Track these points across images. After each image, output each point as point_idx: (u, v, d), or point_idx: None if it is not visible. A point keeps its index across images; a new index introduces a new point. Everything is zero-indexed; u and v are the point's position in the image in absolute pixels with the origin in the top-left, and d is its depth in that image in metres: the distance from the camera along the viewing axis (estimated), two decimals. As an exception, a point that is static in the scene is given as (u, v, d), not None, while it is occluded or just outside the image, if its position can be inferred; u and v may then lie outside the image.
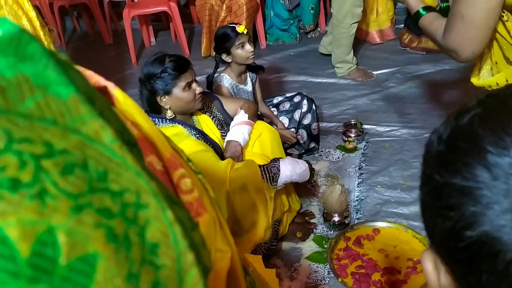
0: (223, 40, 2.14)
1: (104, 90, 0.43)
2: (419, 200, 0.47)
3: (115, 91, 0.43)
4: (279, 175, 1.67)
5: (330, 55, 3.34)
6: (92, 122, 0.28)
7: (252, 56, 2.17)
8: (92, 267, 0.24)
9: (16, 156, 0.23)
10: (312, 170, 1.84)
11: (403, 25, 3.80)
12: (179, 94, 1.69)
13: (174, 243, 0.30)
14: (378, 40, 3.76)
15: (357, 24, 3.15)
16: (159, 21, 4.52)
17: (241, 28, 2.13)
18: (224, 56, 2.17)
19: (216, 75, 2.26)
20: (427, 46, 3.47)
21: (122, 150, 0.30)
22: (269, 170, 1.66)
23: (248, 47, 2.15)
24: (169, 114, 1.72)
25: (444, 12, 1.53)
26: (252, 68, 2.32)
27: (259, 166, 1.66)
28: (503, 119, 0.40)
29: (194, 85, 1.72)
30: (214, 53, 2.27)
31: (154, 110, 1.73)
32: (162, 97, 1.69)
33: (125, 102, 0.44)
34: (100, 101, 0.34)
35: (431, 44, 3.45)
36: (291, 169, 1.70)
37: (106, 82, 0.43)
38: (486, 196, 0.38)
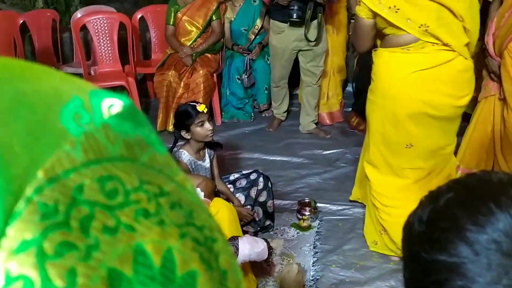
0: (183, 118, 2.19)
1: None
2: (404, 278, 0.50)
3: None
4: (237, 254, 1.66)
5: (287, 135, 3.50)
6: (180, 174, 0.35)
7: (210, 134, 2.22)
8: (194, 280, 0.32)
9: (145, 193, 0.32)
10: (270, 248, 1.84)
11: (351, 108, 4.04)
12: None
13: (235, 272, 0.37)
14: (328, 121, 3.96)
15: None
16: (115, 95, 4.54)
17: (201, 107, 2.19)
18: (183, 133, 2.20)
19: (174, 149, 2.28)
20: (373, 129, 3.69)
21: (198, 197, 0.37)
22: None
23: (208, 126, 2.20)
24: None
25: None
26: (210, 144, 2.37)
27: None
28: (475, 202, 0.45)
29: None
30: (173, 128, 2.30)
31: None
32: None
33: None
34: None
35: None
36: (249, 248, 1.69)
37: None
38: (471, 271, 0.42)
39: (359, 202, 2.72)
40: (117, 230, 0.30)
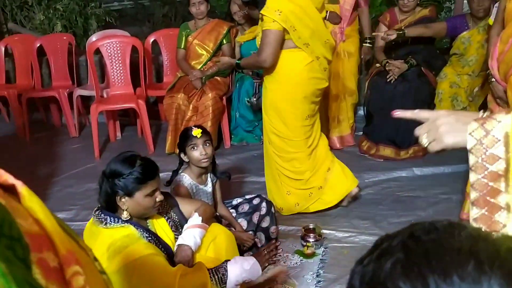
0: (181, 140, 2.21)
1: (12, 188, 0.50)
2: None
3: (22, 189, 0.50)
4: (227, 276, 1.61)
5: None
6: None
7: (203, 160, 2.16)
8: None
9: None
10: (267, 254, 1.80)
11: (362, 132, 3.98)
12: (140, 199, 1.66)
13: None
14: (338, 145, 3.90)
15: None
16: (127, 116, 4.59)
17: (195, 132, 2.15)
18: (182, 155, 2.20)
19: (179, 172, 2.26)
20: (384, 154, 3.62)
21: None
22: (217, 272, 1.61)
23: (201, 150, 2.15)
24: (125, 215, 1.66)
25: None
26: (216, 171, 2.34)
27: (208, 269, 1.61)
28: (423, 271, 0.40)
29: (157, 193, 1.70)
30: (177, 151, 2.30)
31: (108, 206, 1.67)
32: (122, 198, 1.64)
33: (31, 200, 0.50)
34: None
35: (388, 151, 3.62)
36: (239, 267, 1.64)
37: (15, 181, 0.50)
38: None
39: (366, 230, 2.65)
40: None
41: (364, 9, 3.80)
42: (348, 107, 3.94)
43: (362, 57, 3.95)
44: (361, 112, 4.21)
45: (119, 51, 4.09)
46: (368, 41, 3.87)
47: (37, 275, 0.44)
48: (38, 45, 4.51)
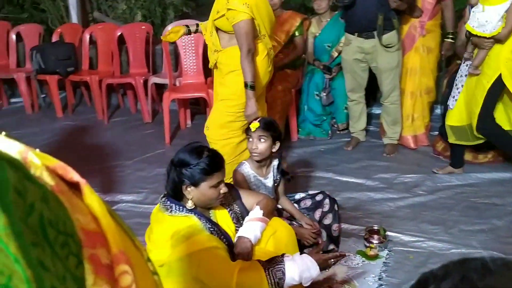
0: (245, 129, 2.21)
1: (77, 185, 0.53)
2: None
3: (85, 187, 0.52)
4: (284, 280, 1.60)
5: (364, 155, 3.40)
6: None
7: (255, 154, 2.16)
8: None
9: None
10: (326, 260, 1.76)
11: (437, 132, 3.78)
12: (205, 190, 1.69)
13: None
14: (412, 145, 3.73)
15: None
16: (197, 105, 4.70)
17: (252, 125, 2.15)
18: None
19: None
20: (460, 156, 3.41)
21: (8, 238, 0.38)
22: (274, 275, 1.59)
23: (252, 144, 2.14)
24: (190, 204, 1.70)
25: None
26: (280, 170, 2.30)
27: (265, 269, 1.60)
28: None
29: (222, 185, 1.73)
30: None
31: (175, 194, 1.72)
32: (188, 187, 1.68)
33: (91, 198, 0.52)
34: (31, 192, 0.43)
35: (467, 156, 3.38)
36: (299, 274, 1.62)
37: (79, 179, 0.52)
38: None
39: (435, 236, 2.52)
40: None
41: (448, 2, 3.59)
42: (424, 105, 3.75)
43: (442, 53, 3.74)
44: (438, 111, 4.00)
45: (192, 41, 4.19)
46: (451, 36, 3.64)
47: (87, 270, 0.46)
48: (119, 33, 4.73)
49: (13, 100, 5.52)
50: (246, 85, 2.42)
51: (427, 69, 3.68)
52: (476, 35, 2.85)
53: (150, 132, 4.42)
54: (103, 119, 4.81)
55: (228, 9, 2.39)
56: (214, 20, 2.53)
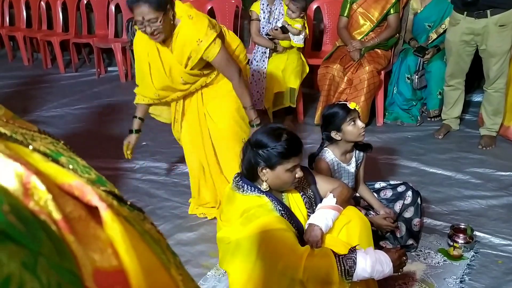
0: (333, 117, 2.08)
1: (95, 210, 0.44)
2: None
3: (105, 214, 0.43)
4: (355, 269, 1.52)
5: (456, 146, 3.17)
6: None
7: (363, 133, 2.08)
8: None
9: None
10: (403, 263, 1.64)
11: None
12: (281, 174, 1.65)
13: None
14: (512, 137, 3.39)
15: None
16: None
17: (352, 105, 2.08)
18: (333, 134, 2.09)
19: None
20: None
21: None
22: (345, 263, 1.52)
23: (360, 124, 2.08)
24: (264, 186, 1.68)
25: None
26: (360, 146, 2.21)
27: (336, 256, 1.53)
28: None
29: (297, 169, 1.68)
30: (322, 131, 2.18)
31: (249, 175, 1.70)
32: (263, 169, 1.65)
33: (112, 227, 0.43)
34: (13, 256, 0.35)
35: None
36: (371, 266, 1.53)
37: (98, 203, 0.43)
38: None
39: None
40: None
41: None
42: None
43: None
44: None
45: (281, 17, 4.09)
46: None
47: None
48: (209, 7, 4.77)
49: (110, 68, 5.85)
50: (245, 108, 2.36)
51: None
52: None
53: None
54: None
55: (205, 50, 2.17)
56: (190, 69, 2.27)
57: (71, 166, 0.46)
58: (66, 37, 5.64)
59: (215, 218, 2.56)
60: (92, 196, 0.43)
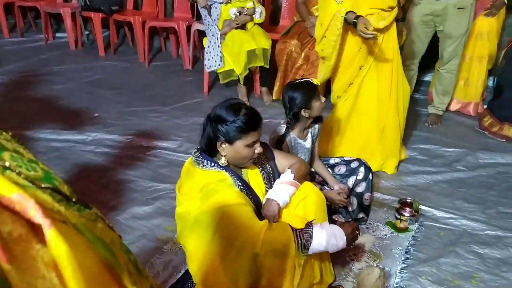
0: (303, 96, 2.09)
1: (38, 227, 0.41)
2: None
3: (49, 232, 0.41)
4: (311, 242, 1.58)
5: (406, 123, 3.29)
6: None
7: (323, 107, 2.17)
8: None
9: None
10: (355, 237, 1.73)
11: (486, 106, 3.59)
12: (240, 149, 1.65)
13: None
14: (456, 109, 3.62)
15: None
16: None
17: (316, 81, 2.14)
18: (303, 112, 2.11)
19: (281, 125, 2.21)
20: (508, 134, 3.24)
21: None
22: (301, 236, 1.58)
23: (323, 98, 2.15)
24: (223, 161, 1.68)
25: None
26: (315, 119, 2.25)
27: (293, 230, 1.58)
28: None
29: (257, 145, 1.69)
30: (288, 111, 2.15)
31: (208, 150, 1.70)
32: (222, 143, 1.65)
33: (57, 247, 0.41)
34: None
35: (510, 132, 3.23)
36: (326, 239, 1.60)
37: (42, 220, 0.41)
38: None
39: (470, 214, 2.43)
40: None
41: None
42: (482, 72, 3.56)
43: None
44: (490, 83, 3.77)
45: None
46: None
47: None
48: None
49: (58, 34, 5.58)
50: None
51: (493, 34, 3.45)
52: None
53: (189, 79, 4.40)
54: (143, 62, 4.82)
55: None
56: None
57: (15, 164, 0.42)
58: (10, -1, 5.31)
59: (171, 191, 2.55)
60: (35, 213, 0.40)
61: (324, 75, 2.66)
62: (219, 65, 3.64)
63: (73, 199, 0.48)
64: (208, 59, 3.68)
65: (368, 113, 2.69)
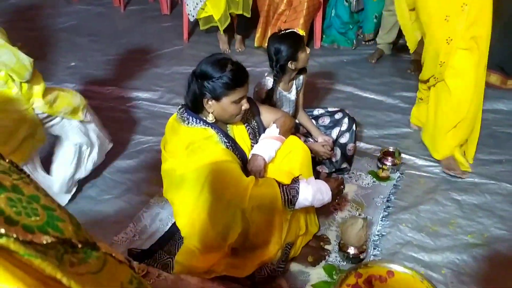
0: (290, 48, 2.03)
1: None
2: None
3: None
4: (297, 198, 1.61)
5: (388, 70, 3.26)
6: None
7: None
8: None
9: None
10: (340, 191, 1.77)
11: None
12: (226, 105, 1.62)
13: None
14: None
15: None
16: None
17: (301, 31, 2.09)
18: (290, 64, 2.07)
19: (265, 76, 2.18)
20: (487, 80, 3.26)
21: None
22: (288, 192, 1.60)
23: (308, 49, 2.11)
24: (210, 118, 1.66)
25: None
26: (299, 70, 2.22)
27: (280, 186, 1.61)
28: None
29: (244, 101, 1.66)
30: (274, 64, 2.08)
31: (194, 107, 1.67)
32: (209, 100, 1.62)
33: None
34: None
35: (492, 78, 3.25)
36: (312, 195, 1.63)
37: None
38: None
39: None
40: None
41: None
42: None
43: None
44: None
45: None
46: None
47: None
48: None
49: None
50: None
51: None
52: None
53: (167, 25, 4.25)
54: (119, 6, 4.62)
55: None
56: None
57: (13, 210, 0.38)
58: None
59: (155, 144, 2.54)
60: None
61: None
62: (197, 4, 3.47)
63: (79, 245, 0.45)
64: (188, 4, 3.54)
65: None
